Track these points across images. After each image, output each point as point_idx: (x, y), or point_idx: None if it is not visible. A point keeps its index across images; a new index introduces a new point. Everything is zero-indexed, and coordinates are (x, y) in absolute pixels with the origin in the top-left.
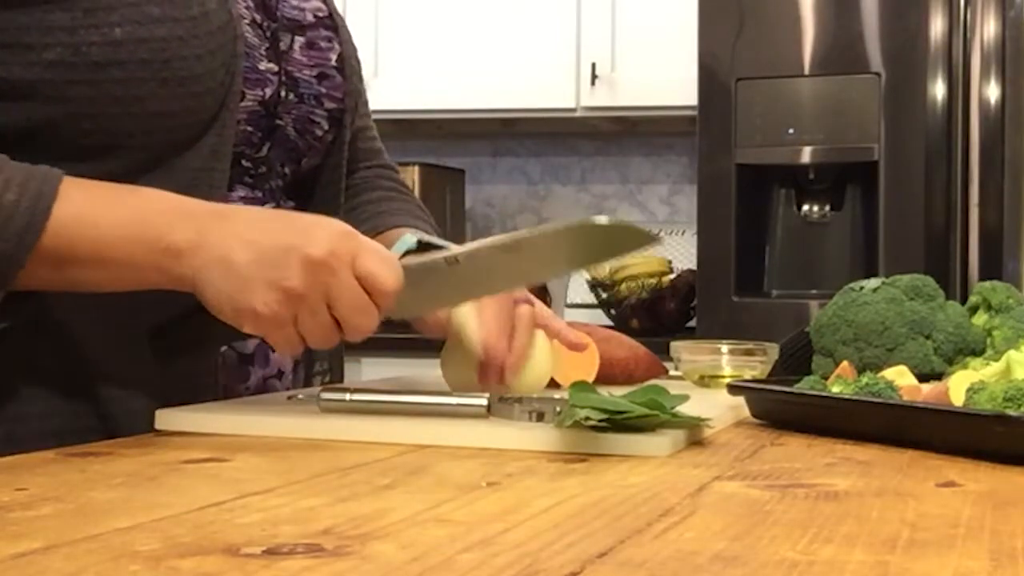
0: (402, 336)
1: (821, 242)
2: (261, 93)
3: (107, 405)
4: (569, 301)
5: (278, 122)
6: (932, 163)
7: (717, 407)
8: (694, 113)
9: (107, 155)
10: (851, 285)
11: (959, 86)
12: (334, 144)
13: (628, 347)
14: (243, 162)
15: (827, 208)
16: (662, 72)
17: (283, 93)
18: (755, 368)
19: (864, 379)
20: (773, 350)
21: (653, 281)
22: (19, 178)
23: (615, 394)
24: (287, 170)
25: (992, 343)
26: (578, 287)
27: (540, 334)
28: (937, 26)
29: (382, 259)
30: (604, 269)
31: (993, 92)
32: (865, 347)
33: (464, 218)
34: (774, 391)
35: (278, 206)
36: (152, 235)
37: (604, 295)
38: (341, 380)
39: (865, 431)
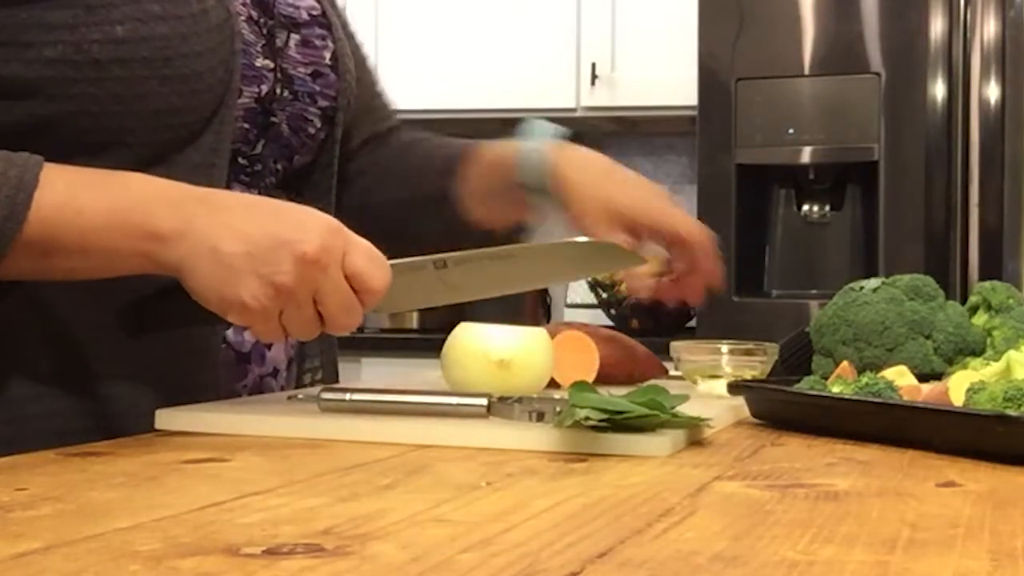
0: (402, 336)
1: (821, 242)
2: (257, 90)
3: (105, 405)
4: (569, 301)
5: (273, 119)
6: (932, 163)
7: (717, 407)
8: (694, 113)
9: (107, 152)
10: (851, 285)
11: (959, 86)
12: (326, 142)
13: (628, 347)
14: (239, 159)
15: (827, 208)
16: (662, 72)
17: (278, 90)
18: (755, 368)
19: (864, 379)
20: (773, 350)
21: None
22: None
23: (615, 394)
24: (280, 167)
25: (992, 343)
26: (578, 287)
27: (542, 332)
28: (937, 26)
29: (370, 257)
30: None
31: (993, 92)
32: (865, 347)
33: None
34: (774, 391)
35: None
36: (136, 221)
37: (604, 295)
38: (335, 378)
39: (865, 431)
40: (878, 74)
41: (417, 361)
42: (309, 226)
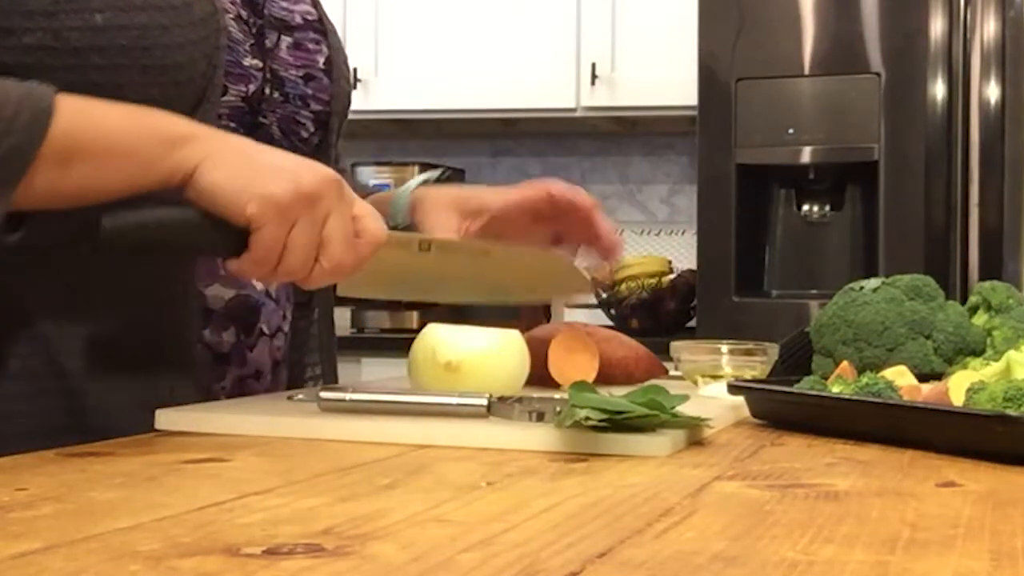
0: (402, 336)
1: (821, 242)
2: (244, 89)
3: (81, 403)
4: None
5: (262, 120)
6: (932, 163)
7: (717, 407)
8: (694, 113)
9: None
10: (851, 285)
11: (959, 86)
12: (320, 147)
13: (628, 347)
14: None
15: (827, 208)
16: (662, 72)
17: (267, 90)
18: (755, 368)
19: (864, 379)
20: (773, 350)
21: (653, 281)
22: (16, 88)
23: (615, 394)
24: None
25: (992, 343)
26: None
27: (512, 336)
28: (937, 26)
29: (373, 211)
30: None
31: (993, 92)
32: (865, 347)
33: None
34: (774, 391)
35: None
36: (152, 123)
37: (604, 295)
38: (334, 380)
39: (865, 431)
40: (878, 74)
41: None
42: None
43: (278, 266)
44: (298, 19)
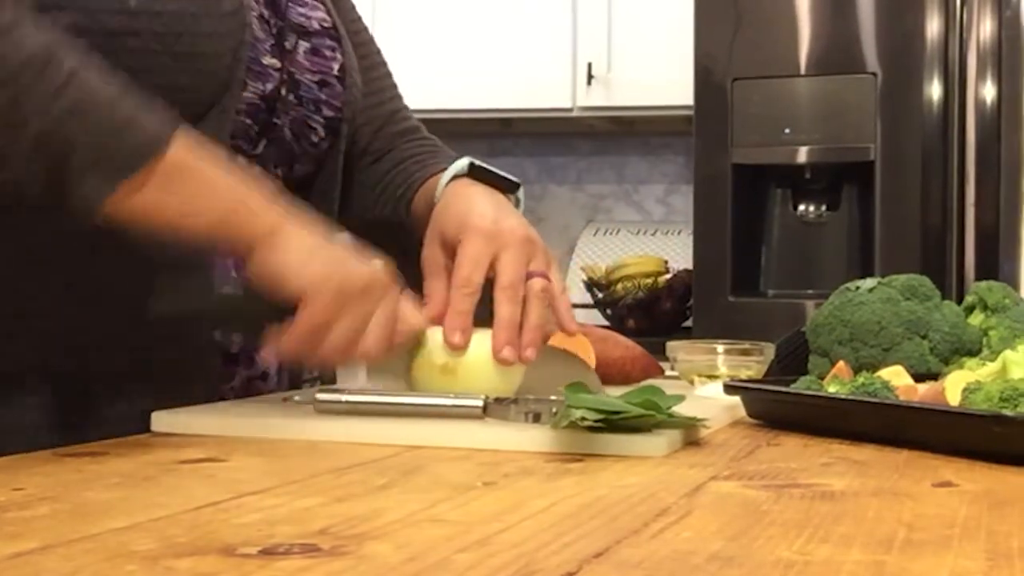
0: None
1: (817, 242)
2: (262, 87)
3: (100, 400)
4: None
5: (276, 120)
6: (928, 163)
7: (713, 407)
8: (690, 113)
9: None
10: (847, 285)
11: (955, 86)
12: (329, 153)
13: (624, 347)
14: (239, 158)
15: (823, 208)
16: (658, 72)
17: (283, 91)
18: (751, 368)
19: (860, 379)
20: (769, 350)
21: (649, 281)
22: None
23: (611, 394)
24: (279, 171)
25: (988, 343)
26: (574, 287)
27: None
28: (933, 26)
29: (413, 307)
30: (600, 269)
31: (989, 92)
32: (861, 347)
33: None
34: (770, 391)
35: None
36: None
37: (600, 295)
38: (332, 382)
39: (861, 431)
40: (874, 74)
41: None
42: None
43: (317, 347)
44: (315, 25)
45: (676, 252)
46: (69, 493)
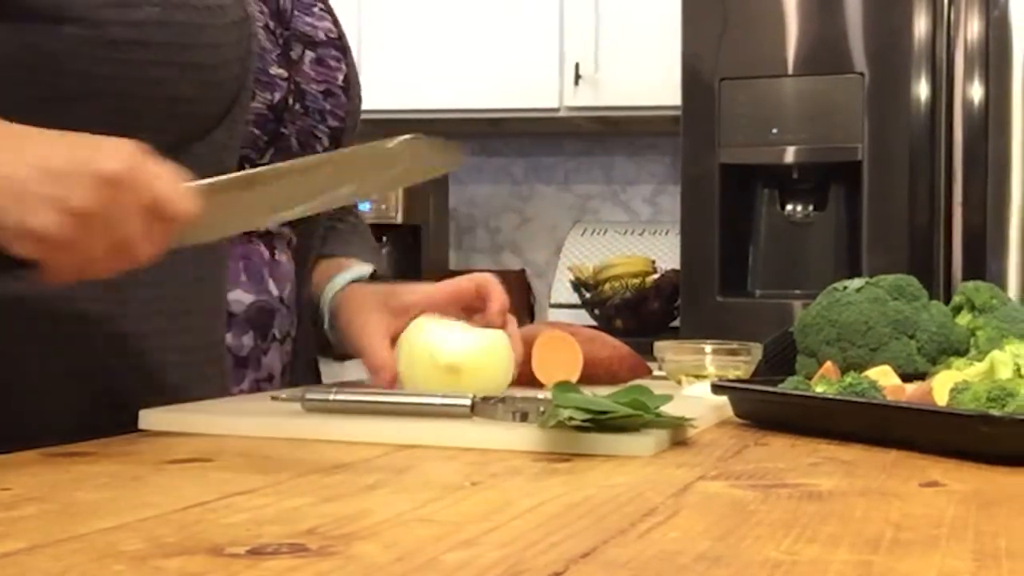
0: None
1: (805, 242)
2: (270, 97)
3: (120, 401)
4: (553, 301)
5: (283, 130)
6: (916, 163)
7: (701, 407)
8: (678, 113)
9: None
10: (835, 285)
11: (943, 86)
12: None
13: (612, 347)
14: (246, 166)
15: (811, 208)
16: (646, 72)
17: (290, 101)
18: (739, 368)
19: (848, 379)
20: (757, 350)
21: (637, 281)
22: None
23: (599, 394)
24: None
25: (976, 343)
26: (562, 287)
27: (501, 335)
28: (921, 25)
29: (176, 184)
30: (588, 269)
31: (977, 92)
32: (849, 347)
33: (448, 218)
34: (758, 391)
35: None
36: None
37: (588, 295)
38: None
39: (849, 431)
40: (862, 74)
41: None
42: (109, 146)
43: (84, 275)
44: (321, 35)
45: (664, 252)
46: (57, 493)
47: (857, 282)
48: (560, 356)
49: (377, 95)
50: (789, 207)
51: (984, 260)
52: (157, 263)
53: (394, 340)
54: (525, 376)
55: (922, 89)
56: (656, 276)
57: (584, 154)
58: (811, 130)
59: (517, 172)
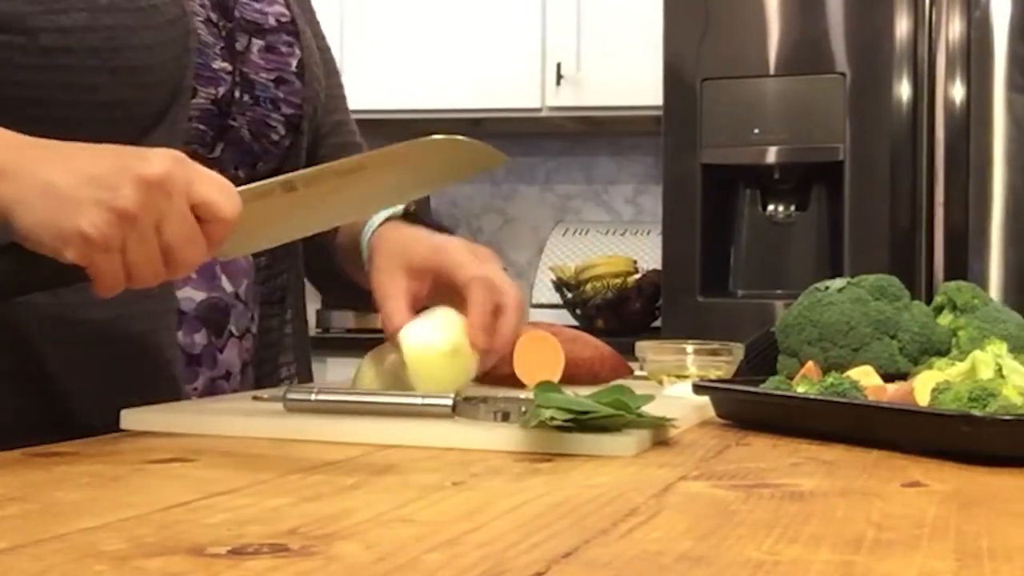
0: (368, 336)
1: (786, 242)
2: (214, 91)
3: (63, 403)
4: (534, 301)
5: (231, 123)
6: (897, 163)
7: (683, 407)
8: (659, 113)
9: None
10: (816, 285)
11: (924, 86)
12: (291, 150)
13: (593, 347)
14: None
15: (792, 208)
16: (627, 72)
17: (237, 93)
18: (720, 368)
19: (829, 379)
20: (738, 350)
21: (618, 281)
22: None
23: (580, 394)
24: (242, 173)
25: (957, 343)
26: (543, 287)
27: (461, 331)
28: (902, 26)
29: (220, 186)
30: (569, 269)
31: (958, 92)
32: (830, 347)
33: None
34: (739, 391)
35: None
36: None
37: (569, 295)
38: (308, 379)
39: (830, 431)
40: (843, 74)
41: None
42: (152, 153)
43: (131, 282)
44: (271, 21)
45: (645, 252)
46: (38, 493)
47: (839, 282)
48: (542, 356)
49: (359, 96)
50: (771, 207)
51: (966, 260)
52: None
53: (413, 302)
54: (507, 376)
55: (904, 89)
56: (638, 276)
57: (566, 154)
58: (793, 130)
59: (498, 172)
